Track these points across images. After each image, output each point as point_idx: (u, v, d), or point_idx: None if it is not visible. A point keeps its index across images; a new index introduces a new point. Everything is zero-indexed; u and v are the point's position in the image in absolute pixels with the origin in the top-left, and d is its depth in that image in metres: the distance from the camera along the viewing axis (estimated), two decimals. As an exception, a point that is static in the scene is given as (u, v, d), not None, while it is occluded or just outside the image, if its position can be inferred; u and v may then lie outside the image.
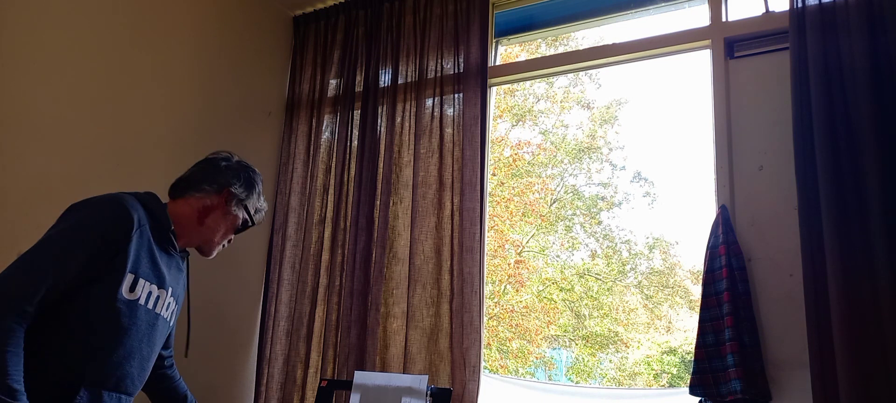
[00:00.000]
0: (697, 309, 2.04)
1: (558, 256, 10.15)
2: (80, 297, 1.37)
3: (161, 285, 1.52)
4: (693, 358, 2.01)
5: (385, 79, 2.82)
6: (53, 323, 1.35)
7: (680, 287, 9.55)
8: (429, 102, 2.67)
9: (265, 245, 2.90)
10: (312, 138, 2.92)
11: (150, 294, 1.48)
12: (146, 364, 1.53)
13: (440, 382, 2.34)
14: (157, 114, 2.44)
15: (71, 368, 1.37)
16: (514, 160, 10.04)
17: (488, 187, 2.65)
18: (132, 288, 1.43)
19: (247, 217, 1.68)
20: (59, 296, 1.34)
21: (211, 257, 1.69)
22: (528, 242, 10.05)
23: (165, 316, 1.58)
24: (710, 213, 2.15)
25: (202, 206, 1.60)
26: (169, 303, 1.58)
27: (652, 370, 8.96)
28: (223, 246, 1.70)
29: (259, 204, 1.72)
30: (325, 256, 2.72)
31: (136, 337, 1.47)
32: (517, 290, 9.62)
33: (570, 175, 10.37)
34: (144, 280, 1.46)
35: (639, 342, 9.43)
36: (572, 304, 9.68)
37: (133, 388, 1.51)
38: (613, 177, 10.29)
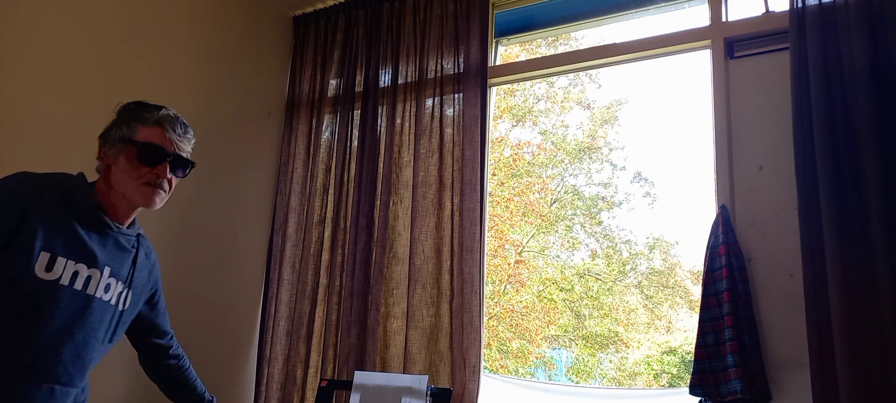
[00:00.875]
0: (697, 309, 2.04)
1: (558, 256, 10.15)
2: None
3: (91, 264, 1.40)
4: (693, 358, 2.01)
5: (385, 79, 2.82)
6: None
7: (680, 287, 9.56)
8: (429, 102, 2.67)
9: (265, 245, 2.90)
10: (312, 138, 2.92)
11: (75, 273, 1.36)
12: (82, 350, 1.41)
13: (440, 382, 2.34)
14: (157, 114, 2.43)
15: None
16: (515, 160, 10.04)
17: (488, 187, 2.65)
18: (49, 268, 1.32)
19: (128, 136, 1.44)
20: None
21: (154, 206, 1.49)
22: (528, 242, 10.05)
23: (106, 299, 1.45)
24: (710, 213, 2.15)
25: (103, 172, 1.48)
26: (108, 285, 1.45)
27: (652, 370, 8.96)
28: (162, 189, 1.48)
29: (141, 120, 1.47)
30: (325, 256, 2.72)
31: (61, 321, 1.35)
32: (517, 290, 9.63)
33: (571, 175, 10.37)
34: (65, 258, 1.34)
35: (639, 342, 9.43)
36: (572, 304, 9.68)
37: (68, 377, 1.39)
38: (613, 177, 10.30)
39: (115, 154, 1.46)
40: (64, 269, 1.35)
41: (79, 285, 1.38)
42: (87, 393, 1.54)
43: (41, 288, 1.32)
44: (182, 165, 1.52)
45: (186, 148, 1.53)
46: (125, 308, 1.54)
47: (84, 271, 1.39)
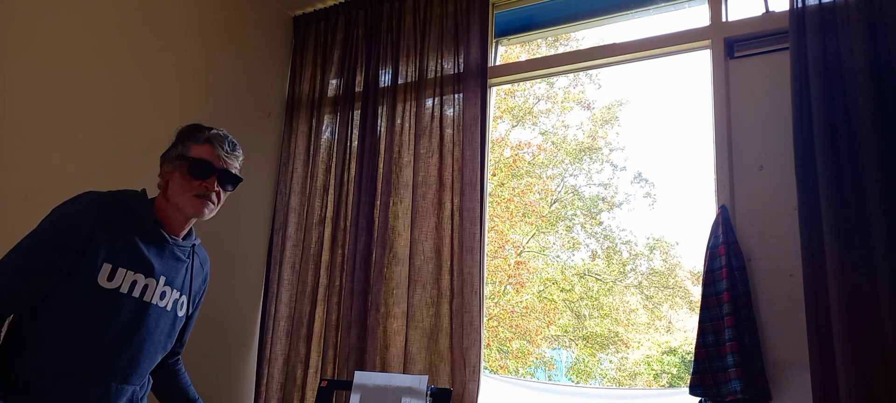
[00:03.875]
0: (697, 310, 2.04)
1: (558, 256, 10.16)
2: (58, 292, 1.42)
3: (149, 274, 1.53)
4: (693, 359, 2.01)
5: (385, 79, 2.82)
6: (33, 319, 1.42)
7: (680, 287, 9.56)
8: (429, 102, 2.67)
9: (265, 245, 2.90)
10: (312, 138, 2.92)
11: (134, 282, 1.50)
12: (139, 354, 1.54)
13: (440, 382, 2.34)
14: (157, 115, 2.44)
15: (48, 361, 1.40)
16: (515, 160, 10.05)
17: (488, 187, 2.65)
18: (111, 278, 1.46)
19: (182, 153, 1.59)
20: (33, 295, 1.41)
21: (203, 217, 1.62)
22: (528, 243, 10.05)
23: (162, 305, 1.59)
24: (710, 213, 2.14)
25: (162, 187, 1.63)
26: (164, 292, 1.59)
27: (652, 370, 8.96)
28: (211, 201, 1.61)
29: (194, 139, 1.62)
30: (325, 256, 2.72)
31: (119, 326, 1.48)
32: (517, 291, 9.62)
33: (571, 175, 10.38)
34: (125, 269, 1.48)
35: (639, 342, 9.44)
36: (572, 305, 9.68)
37: (124, 376, 1.51)
38: (614, 177, 10.31)
39: (171, 170, 1.61)
40: (123, 279, 1.48)
41: (137, 293, 1.51)
42: (148, 389, 1.67)
43: (103, 297, 1.45)
44: (230, 180, 1.66)
45: (234, 164, 1.67)
46: (181, 314, 1.68)
47: (142, 280, 1.52)
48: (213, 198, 1.62)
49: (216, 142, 1.62)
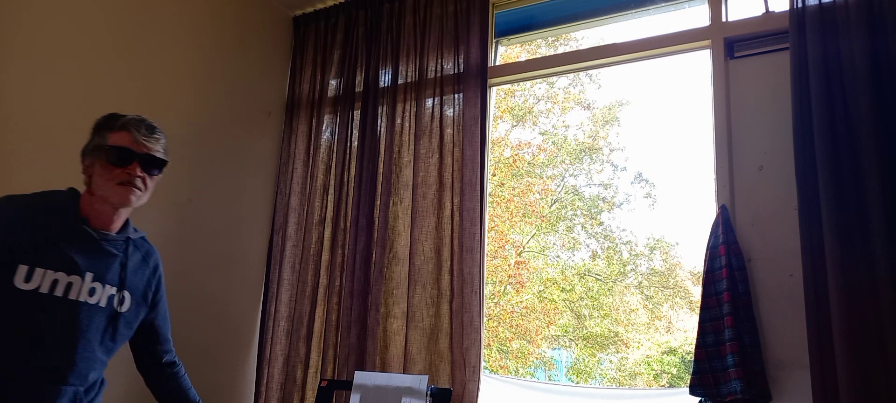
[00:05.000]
0: (697, 310, 2.04)
1: (558, 256, 10.16)
2: None
3: (72, 271, 1.50)
4: (693, 359, 2.01)
5: (385, 79, 2.82)
6: None
7: (680, 287, 9.56)
8: (429, 102, 2.67)
9: (265, 245, 2.91)
10: (312, 138, 2.92)
11: (55, 282, 1.47)
12: (72, 354, 1.50)
13: (440, 382, 2.34)
14: (156, 115, 2.41)
15: None
16: (515, 160, 10.05)
17: (488, 187, 2.64)
18: (28, 279, 1.44)
19: (100, 144, 1.56)
20: None
21: (129, 205, 1.59)
22: (528, 243, 10.05)
23: (92, 302, 1.54)
24: (710, 213, 2.14)
25: (87, 182, 1.60)
26: (93, 289, 1.54)
27: (652, 370, 8.96)
28: (136, 186, 1.57)
29: (110, 128, 1.58)
30: (325, 256, 2.72)
31: (44, 327, 1.46)
32: (517, 291, 9.63)
33: (571, 175, 10.38)
34: (43, 268, 1.46)
35: (639, 342, 9.44)
36: (572, 305, 9.68)
37: (60, 378, 1.48)
38: (614, 177, 10.31)
39: (91, 162, 1.58)
40: (43, 279, 1.46)
41: (59, 292, 1.48)
42: (101, 391, 1.62)
43: (22, 299, 1.43)
44: (154, 164, 1.60)
45: (156, 147, 1.61)
46: (123, 310, 1.62)
47: (64, 278, 1.49)
48: (138, 183, 1.57)
49: (132, 127, 1.58)
